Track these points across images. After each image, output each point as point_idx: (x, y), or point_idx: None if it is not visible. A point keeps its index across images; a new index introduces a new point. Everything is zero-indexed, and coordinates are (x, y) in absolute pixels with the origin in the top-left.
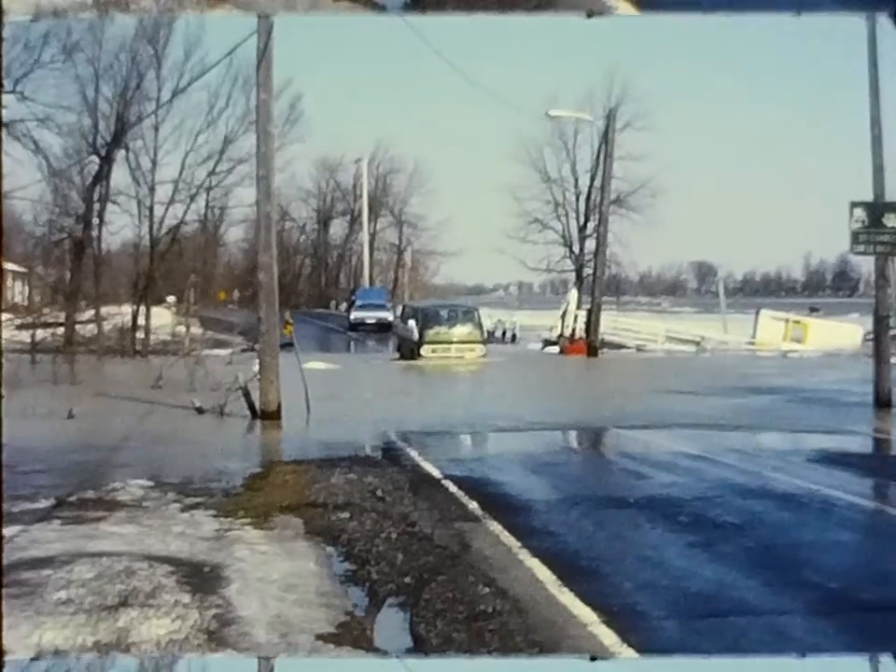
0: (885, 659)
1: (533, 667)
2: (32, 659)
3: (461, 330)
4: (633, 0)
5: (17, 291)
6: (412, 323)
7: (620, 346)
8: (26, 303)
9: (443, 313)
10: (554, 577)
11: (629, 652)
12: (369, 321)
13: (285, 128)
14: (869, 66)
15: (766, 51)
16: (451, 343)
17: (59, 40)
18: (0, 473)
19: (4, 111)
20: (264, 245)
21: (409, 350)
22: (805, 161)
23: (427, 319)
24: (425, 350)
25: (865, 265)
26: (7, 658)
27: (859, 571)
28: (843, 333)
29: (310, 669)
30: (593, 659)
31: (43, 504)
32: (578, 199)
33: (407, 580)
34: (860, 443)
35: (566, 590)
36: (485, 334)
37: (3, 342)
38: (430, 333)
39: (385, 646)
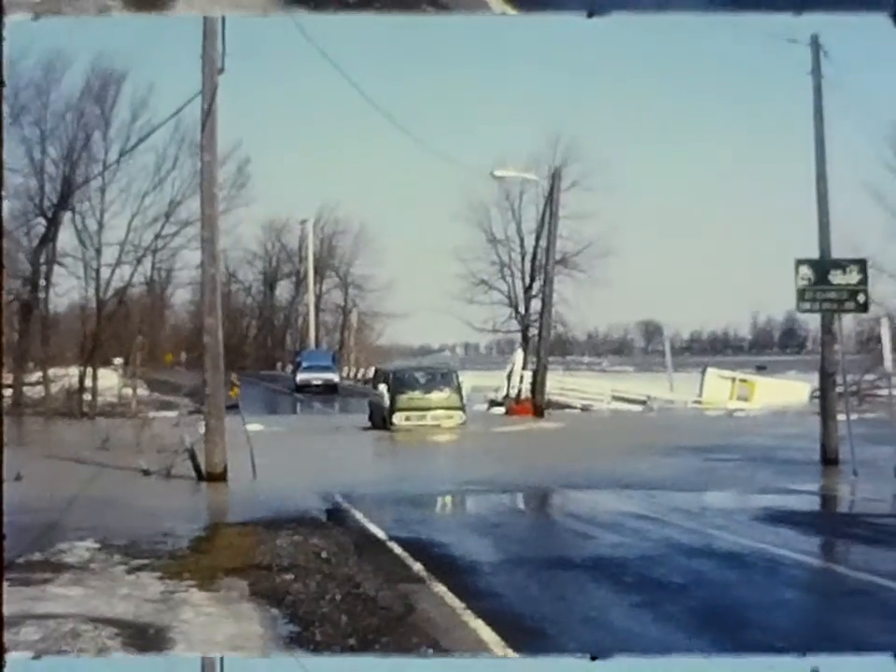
0: (885, 659)
1: (533, 667)
2: (32, 659)
3: (438, 396)
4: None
5: None
6: (382, 388)
7: (566, 406)
8: None
9: (418, 376)
10: (498, 638)
11: None
12: (315, 383)
13: (231, 191)
14: (814, 120)
15: (715, 104)
16: (426, 409)
17: (7, 103)
18: (0, 484)
19: None
20: (210, 308)
21: (380, 418)
22: (754, 219)
23: (399, 383)
24: (397, 418)
25: (813, 322)
26: (6, 658)
27: (806, 630)
28: (790, 391)
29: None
30: (593, 658)
31: None
32: (523, 259)
33: (351, 641)
34: (806, 501)
35: (510, 651)
36: (465, 399)
37: None
38: (403, 399)
39: None
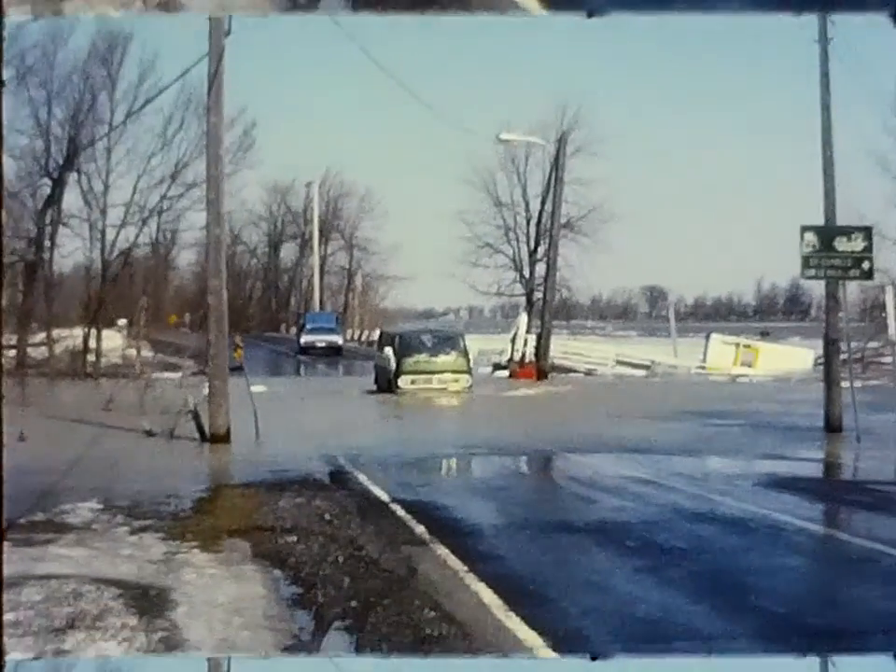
0: (885, 659)
1: (533, 667)
2: (32, 659)
3: (444, 359)
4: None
5: None
6: (388, 351)
7: (570, 370)
8: None
9: (424, 339)
10: (500, 601)
11: None
12: (318, 345)
13: (237, 154)
14: (821, 88)
15: (720, 72)
16: (433, 372)
17: (12, 65)
18: (0, 473)
19: None
20: (214, 269)
21: (386, 381)
22: (759, 184)
23: (406, 346)
24: (402, 381)
25: (817, 289)
26: (6, 658)
27: (807, 596)
28: (794, 357)
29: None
30: (593, 658)
31: None
32: (528, 223)
33: (353, 603)
34: (809, 468)
35: (511, 614)
36: (472, 362)
37: None
38: (409, 362)
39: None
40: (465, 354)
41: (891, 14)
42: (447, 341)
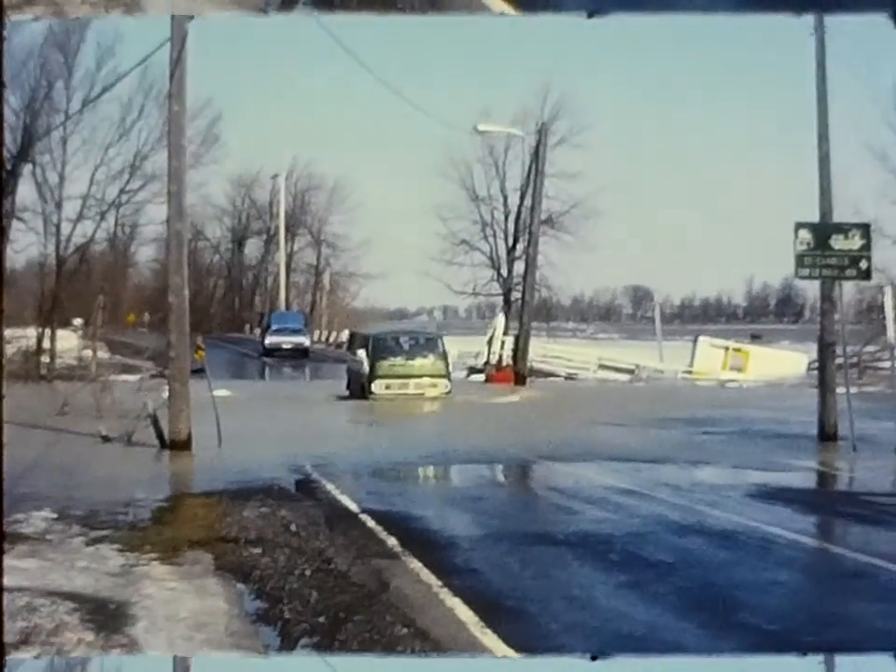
0: (885, 659)
1: (533, 667)
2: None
3: (421, 362)
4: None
5: None
6: (361, 353)
7: (549, 375)
8: None
9: (400, 340)
10: (477, 617)
11: None
12: (284, 346)
13: (201, 148)
14: (817, 81)
15: (710, 62)
16: (409, 377)
17: None
18: (1, 473)
19: None
20: (175, 266)
21: (359, 386)
22: (751, 179)
23: (380, 349)
24: (376, 386)
25: (812, 289)
26: (7, 658)
27: (798, 613)
28: (786, 362)
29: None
30: (593, 658)
31: None
32: (507, 219)
33: (321, 619)
34: (802, 478)
35: (488, 631)
36: (450, 366)
37: None
38: (384, 366)
39: None
40: (444, 357)
41: (891, 14)
42: (425, 343)
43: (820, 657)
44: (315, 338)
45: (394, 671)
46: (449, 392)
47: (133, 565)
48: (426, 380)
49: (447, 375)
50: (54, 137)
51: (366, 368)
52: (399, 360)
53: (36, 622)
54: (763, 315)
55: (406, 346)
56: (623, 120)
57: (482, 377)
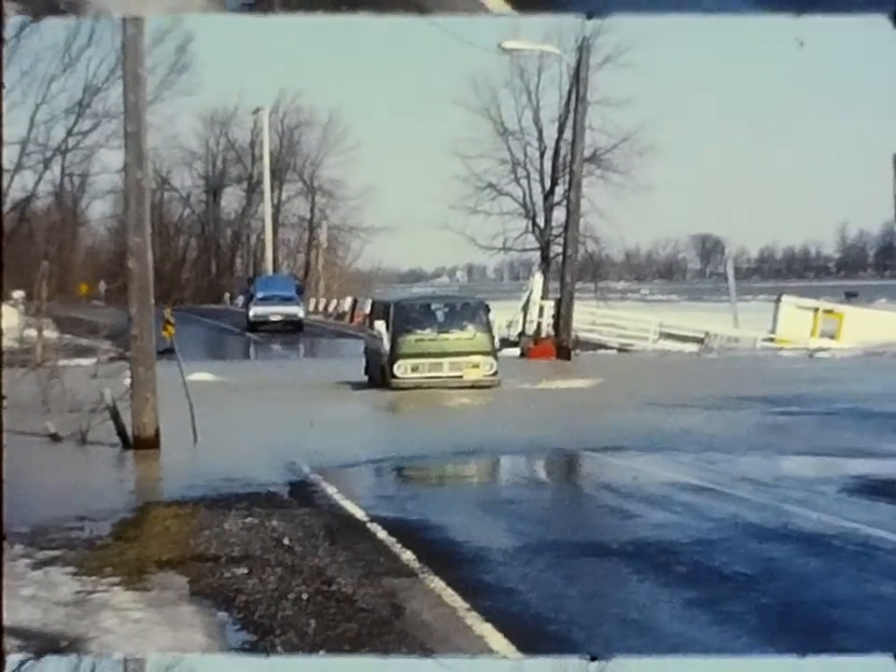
0: (885, 659)
1: (533, 667)
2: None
3: (459, 335)
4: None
5: None
6: (380, 326)
7: (599, 346)
8: None
9: (432, 307)
10: (513, 647)
11: None
12: (273, 318)
13: (170, 77)
14: None
15: None
16: (442, 355)
17: None
18: (0, 474)
19: None
20: (136, 223)
21: (378, 370)
22: (842, 102)
23: (403, 319)
24: (400, 368)
25: None
26: (7, 658)
27: None
28: (889, 325)
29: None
30: (593, 659)
31: None
32: (542, 156)
33: (322, 654)
34: None
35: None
36: (497, 342)
37: None
38: (409, 341)
39: None
40: (488, 328)
41: (891, 14)
42: (462, 310)
43: (820, 658)
44: (311, 307)
45: (394, 671)
46: (495, 374)
47: (89, 591)
48: (464, 359)
49: (493, 352)
50: None
51: (386, 345)
52: (428, 334)
53: None
54: (860, 268)
55: (439, 316)
56: (682, 32)
57: (516, 351)
